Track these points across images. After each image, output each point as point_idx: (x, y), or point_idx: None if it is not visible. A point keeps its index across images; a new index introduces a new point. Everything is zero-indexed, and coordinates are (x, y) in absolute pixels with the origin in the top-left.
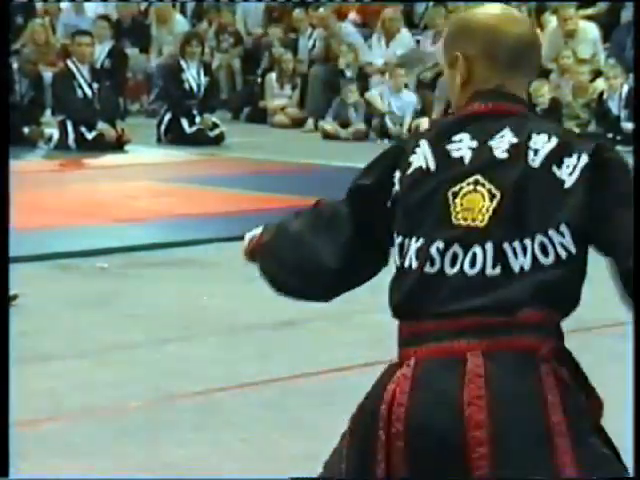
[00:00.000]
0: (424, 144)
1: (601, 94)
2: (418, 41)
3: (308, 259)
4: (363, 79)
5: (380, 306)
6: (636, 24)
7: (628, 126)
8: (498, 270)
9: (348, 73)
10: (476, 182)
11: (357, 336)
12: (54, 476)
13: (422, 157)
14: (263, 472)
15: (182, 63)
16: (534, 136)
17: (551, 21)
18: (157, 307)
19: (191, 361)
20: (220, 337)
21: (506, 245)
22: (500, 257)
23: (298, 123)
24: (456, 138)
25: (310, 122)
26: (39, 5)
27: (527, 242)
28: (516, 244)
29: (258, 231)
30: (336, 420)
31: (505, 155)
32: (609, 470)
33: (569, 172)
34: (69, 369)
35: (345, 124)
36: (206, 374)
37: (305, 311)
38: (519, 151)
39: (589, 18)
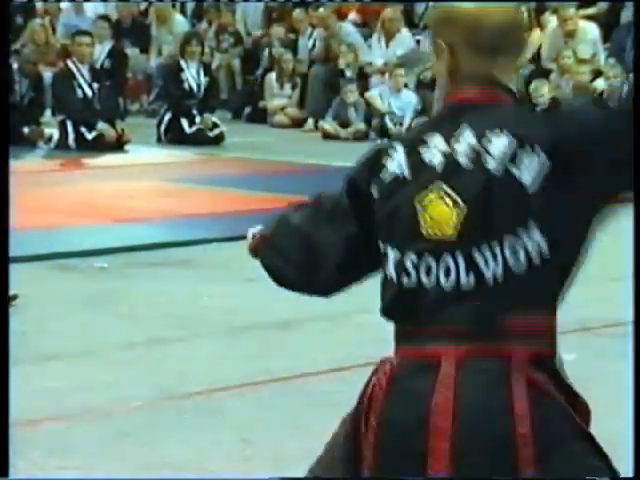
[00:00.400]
0: (400, 149)
1: (601, 94)
2: (418, 41)
3: (311, 252)
4: (363, 79)
5: (378, 306)
6: (636, 24)
7: None
8: (472, 280)
9: (348, 73)
10: (442, 191)
11: (357, 336)
12: (54, 476)
13: (397, 164)
14: (263, 472)
15: (182, 63)
16: (489, 134)
17: (551, 21)
18: (157, 307)
19: (191, 361)
20: (220, 337)
21: (476, 254)
22: (472, 267)
23: (298, 123)
24: (430, 140)
25: (310, 122)
26: (39, 5)
27: (496, 247)
28: (486, 252)
29: (260, 227)
30: (336, 420)
31: (465, 160)
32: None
33: (529, 173)
34: (69, 369)
35: (345, 124)
36: (206, 374)
37: (305, 311)
38: (477, 155)
39: (589, 18)
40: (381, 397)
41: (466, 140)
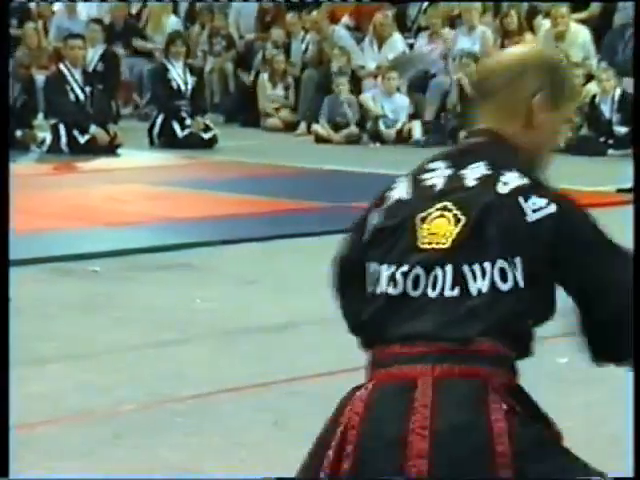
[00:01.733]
0: (405, 179)
1: (593, 97)
2: (411, 45)
3: None
4: (356, 82)
5: None
6: (636, 24)
7: (620, 130)
8: (456, 292)
9: (341, 76)
10: (444, 208)
11: (350, 340)
12: (50, 476)
13: (400, 190)
14: (257, 475)
15: (167, 63)
16: (506, 172)
17: (543, 25)
18: (151, 310)
19: (185, 364)
20: (214, 340)
21: (466, 268)
22: (459, 280)
23: (291, 126)
24: (433, 166)
25: (303, 125)
26: (32, 5)
27: (487, 265)
28: (476, 267)
29: None
30: None
31: (474, 183)
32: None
33: (534, 209)
34: (63, 372)
35: (338, 127)
36: (200, 377)
37: (299, 314)
38: (489, 180)
39: (581, 21)
40: (357, 425)
41: (480, 169)
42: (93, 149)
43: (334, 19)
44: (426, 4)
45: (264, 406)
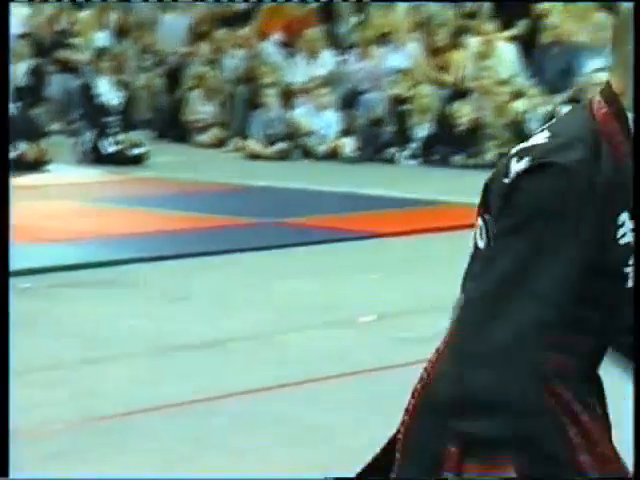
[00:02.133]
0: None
1: (521, 114)
2: (342, 62)
3: None
4: (286, 98)
5: (300, 325)
6: (636, 25)
7: None
8: (482, 244)
9: (271, 92)
10: None
11: (280, 356)
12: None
13: None
14: None
15: (94, 79)
16: (543, 132)
17: (471, 42)
18: (79, 327)
19: (114, 382)
20: (143, 358)
21: (480, 221)
22: (482, 232)
23: (222, 142)
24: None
25: (234, 141)
26: None
27: (480, 221)
28: (481, 222)
29: None
30: (259, 441)
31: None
32: None
33: (515, 168)
34: None
35: (269, 143)
36: (128, 395)
37: (228, 331)
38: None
39: (510, 39)
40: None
41: (542, 130)
42: (21, 165)
43: (264, 35)
44: (355, 21)
45: (192, 424)
